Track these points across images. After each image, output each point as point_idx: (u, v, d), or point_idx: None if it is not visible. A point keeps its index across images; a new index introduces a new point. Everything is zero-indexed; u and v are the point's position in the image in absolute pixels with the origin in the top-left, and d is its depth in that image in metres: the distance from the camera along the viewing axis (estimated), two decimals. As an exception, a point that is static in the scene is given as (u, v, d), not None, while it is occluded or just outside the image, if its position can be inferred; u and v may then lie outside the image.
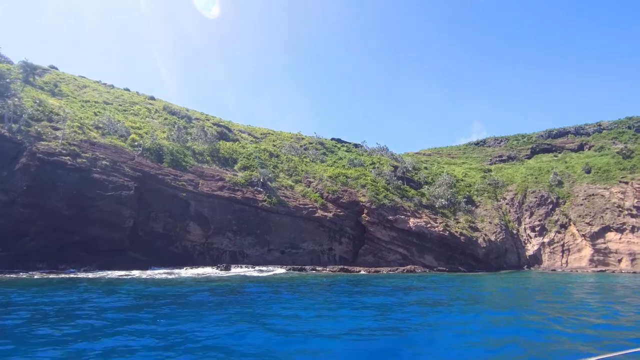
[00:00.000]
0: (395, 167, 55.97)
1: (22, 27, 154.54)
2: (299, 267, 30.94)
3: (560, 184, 54.90)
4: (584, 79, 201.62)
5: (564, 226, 48.85)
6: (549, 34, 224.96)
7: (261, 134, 66.16)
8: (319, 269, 32.67)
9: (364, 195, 42.88)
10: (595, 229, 46.16)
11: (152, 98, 65.07)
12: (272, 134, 67.62)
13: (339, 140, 72.02)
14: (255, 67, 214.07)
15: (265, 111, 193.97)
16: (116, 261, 24.72)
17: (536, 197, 53.49)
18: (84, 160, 26.52)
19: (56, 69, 63.14)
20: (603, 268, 43.75)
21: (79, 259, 23.34)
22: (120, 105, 48.58)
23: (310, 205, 39.69)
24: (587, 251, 45.79)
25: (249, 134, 62.14)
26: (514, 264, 47.99)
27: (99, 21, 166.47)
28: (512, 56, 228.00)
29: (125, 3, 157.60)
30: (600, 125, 70.96)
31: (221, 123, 59.14)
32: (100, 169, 27.05)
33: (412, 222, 41.70)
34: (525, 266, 47.61)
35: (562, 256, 46.84)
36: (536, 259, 48.39)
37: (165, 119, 48.47)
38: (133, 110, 48.29)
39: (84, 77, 64.45)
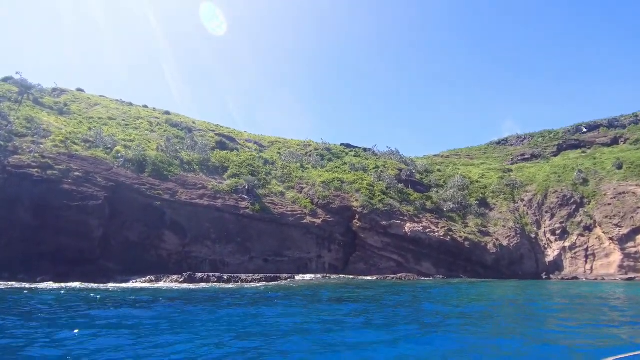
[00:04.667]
0: (400, 170, 53.47)
1: (70, 55, 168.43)
2: (273, 276, 29.67)
3: (585, 182, 49.67)
4: (621, 66, 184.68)
5: (588, 228, 43.85)
6: (582, 17, 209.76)
7: (268, 142, 66.16)
8: (298, 278, 31.26)
9: (357, 200, 41.06)
10: (625, 231, 40.93)
11: (168, 113, 67.30)
12: (280, 142, 67.42)
13: (347, 146, 70.37)
14: (267, 77, 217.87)
15: (278, 120, 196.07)
16: (80, 271, 24.91)
17: (558, 198, 48.71)
18: (55, 172, 27.30)
19: (83, 91, 67.29)
20: (634, 275, 38.56)
21: (39, 269, 23.75)
22: (123, 120, 50.41)
23: (298, 212, 38.53)
24: (616, 256, 40.66)
25: (255, 143, 62.26)
26: (531, 271, 43.64)
27: (121, 47, 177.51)
28: (543, 45, 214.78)
29: (142, 36, 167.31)
30: (637, 115, 63.90)
31: (224, 133, 59.75)
32: (71, 180, 27.72)
33: (408, 227, 39.22)
34: (544, 273, 43.12)
35: (586, 262, 41.93)
36: (557, 265, 43.73)
37: (165, 131, 49.59)
38: (135, 124, 49.90)
39: (104, 97, 67.91)
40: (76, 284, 22.32)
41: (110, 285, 22.59)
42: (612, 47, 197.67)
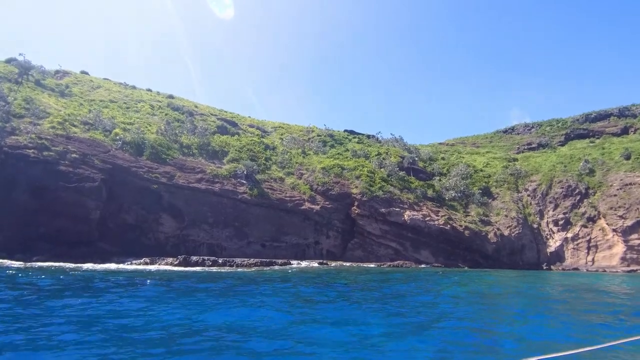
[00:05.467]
0: (403, 158, 52.83)
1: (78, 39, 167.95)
2: (268, 261, 29.73)
3: (591, 172, 48.67)
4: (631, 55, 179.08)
5: (592, 219, 43.15)
6: (594, 4, 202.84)
7: (271, 128, 65.70)
8: (294, 263, 31.29)
9: (356, 187, 40.75)
10: (629, 222, 40.18)
11: (171, 97, 66.85)
12: (283, 128, 66.91)
13: (351, 132, 69.56)
14: (274, 64, 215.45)
15: (284, 106, 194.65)
16: (77, 252, 25.16)
17: (562, 188, 47.88)
18: (52, 153, 27.35)
19: (87, 74, 66.96)
20: (636, 267, 38.02)
21: (36, 250, 24.02)
22: (124, 103, 50.25)
23: (297, 198, 38.37)
24: (619, 248, 40.06)
25: (258, 128, 61.85)
26: (532, 262, 43.28)
27: (134, 32, 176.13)
28: (552, 34, 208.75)
29: (158, 20, 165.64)
30: (649, 105, 61.99)
31: (227, 118, 59.37)
32: (68, 162, 27.76)
33: (407, 215, 38.90)
34: (545, 264, 42.75)
35: (588, 253, 41.42)
36: (558, 256, 43.28)
37: (166, 114, 49.38)
38: (136, 107, 49.73)
39: (108, 80, 67.55)
40: (66, 264, 22.47)
41: (100, 266, 22.73)
42: (624, 35, 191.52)
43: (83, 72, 66.14)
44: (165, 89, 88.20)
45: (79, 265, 22.54)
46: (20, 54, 51.61)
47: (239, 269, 26.15)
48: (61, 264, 22.26)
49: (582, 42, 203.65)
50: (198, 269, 25.56)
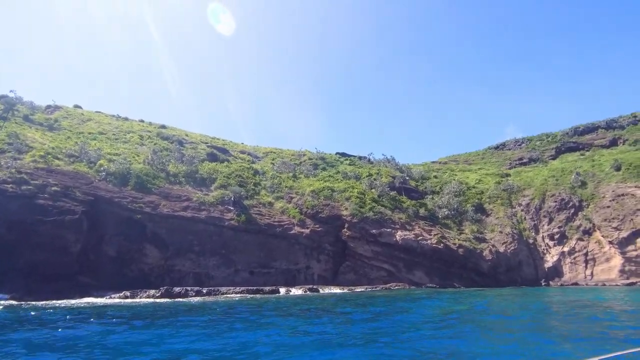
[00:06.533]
0: (394, 178, 52.62)
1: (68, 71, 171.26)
2: (255, 289, 28.80)
3: (583, 184, 48.42)
4: (620, 67, 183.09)
5: (588, 232, 42.48)
6: (581, 17, 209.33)
7: (263, 153, 65.94)
8: (282, 290, 30.31)
9: (346, 209, 40.24)
10: (625, 234, 39.52)
11: (163, 127, 67.28)
12: (275, 152, 67.15)
13: (343, 154, 69.84)
14: (269, 85, 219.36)
15: (277, 131, 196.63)
16: (54, 287, 24.27)
17: (556, 201, 47.46)
18: (30, 187, 26.95)
19: (80, 107, 67.61)
20: (635, 280, 37.08)
21: (11, 285, 23.16)
22: (113, 134, 50.40)
23: (286, 222, 37.76)
24: (617, 260, 39.21)
25: (249, 154, 62.01)
26: (530, 278, 42.29)
27: (122, 62, 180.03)
28: (541, 49, 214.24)
29: (144, 44, 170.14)
30: (635, 116, 62.65)
31: (217, 145, 59.57)
32: (47, 195, 27.32)
33: (399, 235, 38.22)
34: (543, 280, 41.76)
35: (586, 267, 40.49)
36: (556, 271, 42.33)
37: (155, 144, 49.42)
38: (125, 138, 49.84)
39: (100, 113, 68.10)
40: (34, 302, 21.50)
41: (72, 302, 21.81)
42: (611, 47, 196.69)
43: (76, 107, 66.73)
44: (158, 120, 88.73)
45: (51, 302, 21.64)
46: (10, 91, 52.29)
47: (221, 299, 25.23)
48: (29, 302, 21.36)
49: (570, 52, 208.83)
50: (180, 300, 24.68)
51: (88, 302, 21.87)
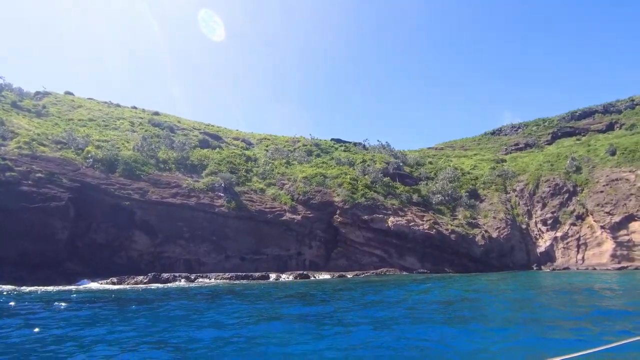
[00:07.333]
0: (388, 164, 52.26)
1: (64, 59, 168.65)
2: (244, 275, 28.77)
3: (578, 170, 48.18)
4: (618, 51, 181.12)
5: (581, 217, 42.44)
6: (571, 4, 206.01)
7: (257, 140, 65.19)
8: (272, 276, 30.29)
9: (338, 195, 39.99)
10: (617, 218, 39.46)
11: (157, 114, 66.44)
12: (269, 139, 66.42)
13: (337, 141, 69.21)
14: (264, 78, 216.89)
15: (273, 119, 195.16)
16: (42, 275, 24.11)
17: (550, 187, 47.28)
18: (14, 173, 26.54)
19: (72, 94, 66.59)
20: (627, 264, 37.16)
21: (-5, 274, 23.01)
22: (103, 121, 49.71)
23: (278, 209, 37.54)
24: (608, 245, 39.26)
25: (243, 140, 61.32)
26: (522, 263, 42.46)
27: (121, 54, 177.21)
28: (538, 35, 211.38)
29: (143, 37, 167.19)
30: (633, 100, 62.00)
31: (210, 131, 58.85)
32: (32, 182, 26.94)
33: (391, 221, 38.09)
34: (535, 265, 41.87)
35: (578, 252, 40.57)
36: (548, 256, 42.43)
37: (146, 130, 48.79)
38: (115, 124, 49.17)
39: (92, 99, 66.98)
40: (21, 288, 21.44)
41: (56, 288, 21.70)
42: (609, 30, 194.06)
43: (67, 93, 65.64)
44: (152, 107, 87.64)
45: (37, 287, 21.53)
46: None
47: (211, 283, 25.16)
48: (15, 287, 21.26)
49: (567, 41, 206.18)
50: (169, 285, 24.63)
51: (71, 289, 21.73)
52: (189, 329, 11.20)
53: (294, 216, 37.21)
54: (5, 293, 19.74)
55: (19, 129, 34.69)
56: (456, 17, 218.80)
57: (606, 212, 40.36)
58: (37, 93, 57.66)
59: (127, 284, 24.69)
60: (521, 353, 8.54)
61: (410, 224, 38.67)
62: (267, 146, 59.56)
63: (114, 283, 24.42)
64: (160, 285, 24.39)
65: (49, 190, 27.02)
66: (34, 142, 31.78)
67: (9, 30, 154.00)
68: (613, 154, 47.84)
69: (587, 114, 64.52)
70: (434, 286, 23.61)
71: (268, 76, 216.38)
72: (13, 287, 21.44)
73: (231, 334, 10.45)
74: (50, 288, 21.85)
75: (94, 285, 23.83)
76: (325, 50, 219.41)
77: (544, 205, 46.09)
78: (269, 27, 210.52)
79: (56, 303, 15.88)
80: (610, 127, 58.81)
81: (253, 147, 59.66)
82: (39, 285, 22.16)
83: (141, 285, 24.33)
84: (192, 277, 26.81)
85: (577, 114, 65.57)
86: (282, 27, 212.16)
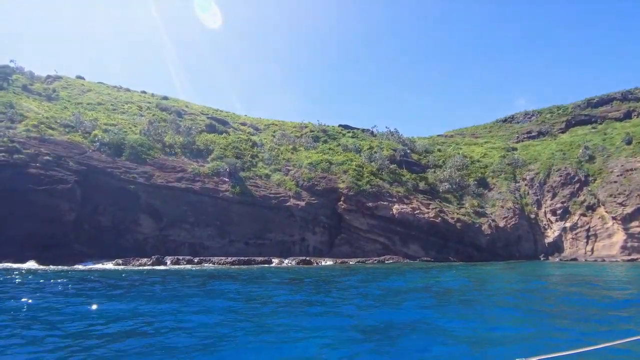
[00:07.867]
0: (395, 151, 51.65)
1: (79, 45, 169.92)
2: (246, 259, 29.09)
3: (591, 159, 46.91)
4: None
5: (591, 208, 41.49)
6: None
7: (264, 125, 64.99)
8: (274, 262, 30.56)
9: (343, 182, 39.81)
10: (629, 210, 38.48)
11: (165, 98, 66.74)
12: (276, 125, 66.08)
13: (345, 127, 68.47)
14: (271, 62, 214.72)
15: (284, 105, 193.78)
16: (49, 255, 24.78)
17: (561, 176, 46.23)
18: (22, 156, 27.07)
19: (82, 78, 67.30)
20: (637, 256, 36.37)
21: (4, 254, 23.70)
22: (112, 105, 50.10)
23: (282, 194, 37.60)
24: (619, 236, 38.42)
25: (250, 126, 61.23)
26: (529, 253, 41.94)
27: (123, 39, 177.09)
28: (553, 19, 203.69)
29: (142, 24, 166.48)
30: (653, 87, 59.54)
31: (218, 117, 58.84)
32: (39, 164, 27.45)
33: (395, 208, 37.85)
34: (543, 255, 41.34)
35: (587, 243, 39.83)
36: (556, 246, 41.81)
37: (154, 115, 49.02)
38: (123, 109, 49.52)
39: (102, 84, 67.42)
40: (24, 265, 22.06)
41: (60, 268, 22.29)
42: (632, 15, 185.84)
43: (78, 77, 66.32)
44: (162, 92, 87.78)
45: (44, 267, 22.15)
46: (11, 61, 52.00)
47: (211, 267, 25.51)
48: (20, 265, 21.91)
49: (584, 25, 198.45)
50: (172, 267, 25.08)
51: (75, 269, 22.29)
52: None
53: (298, 202, 37.24)
54: (15, 273, 20.36)
55: (28, 112, 35.20)
56: (469, 1, 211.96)
57: (618, 203, 39.35)
58: (48, 77, 58.30)
59: (132, 266, 25.21)
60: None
61: (416, 212, 38.38)
62: (274, 132, 59.32)
63: (119, 264, 24.97)
64: (163, 267, 24.86)
65: (57, 172, 27.51)
66: (43, 125, 32.24)
67: (34, 15, 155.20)
68: (629, 143, 46.35)
69: (605, 101, 62.35)
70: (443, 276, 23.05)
71: (277, 62, 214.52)
72: (19, 265, 22.06)
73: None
74: (58, 267, 22.44)
75: (98, 266, 24.36)
76: (335, 34, 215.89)
77: (554, 195, 45.17)
78: (274, 12, 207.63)
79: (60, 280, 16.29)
80: (628, 115, 56.83)
81: (260, 132, 59.56)
82: (47, 265, 22.74)
83: (146, 267, 24.81)
84: (196, 261, 27.23)
85: (594, 101, 63.42)
86: (289, 10, 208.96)
